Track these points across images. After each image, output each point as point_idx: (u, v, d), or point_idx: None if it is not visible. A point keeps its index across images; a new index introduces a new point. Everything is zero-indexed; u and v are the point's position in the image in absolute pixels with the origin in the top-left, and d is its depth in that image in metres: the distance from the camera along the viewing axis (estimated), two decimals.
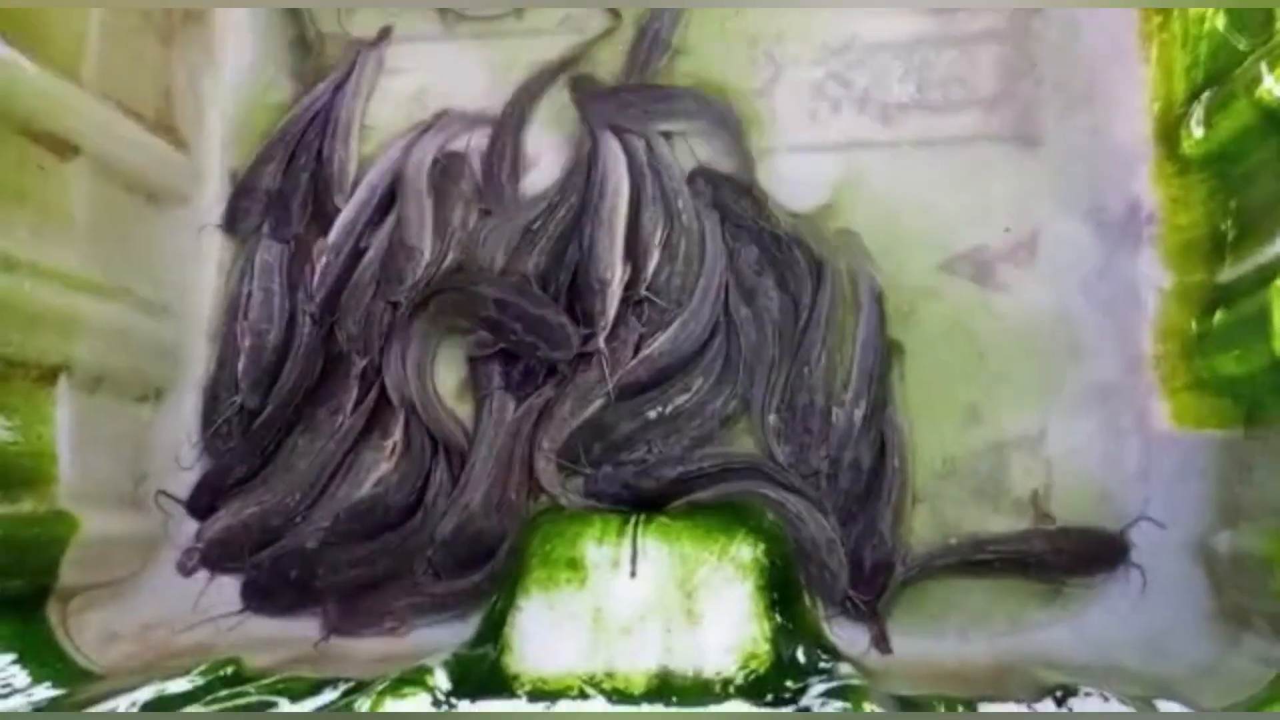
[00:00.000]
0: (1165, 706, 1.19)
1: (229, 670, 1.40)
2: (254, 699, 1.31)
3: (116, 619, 1.56)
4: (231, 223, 1.75)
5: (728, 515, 1.52)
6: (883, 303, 1.62)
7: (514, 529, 1.59)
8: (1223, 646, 1.37)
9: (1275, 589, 1.26)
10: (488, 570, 1.58)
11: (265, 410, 1.66)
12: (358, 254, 1.72)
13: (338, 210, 1.73)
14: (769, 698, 1.35)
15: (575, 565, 1.49)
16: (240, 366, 1.68)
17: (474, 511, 1.60)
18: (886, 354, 1.61)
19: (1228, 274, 1.46)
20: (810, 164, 1.71)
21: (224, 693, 1.33)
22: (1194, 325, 1.52)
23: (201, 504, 1.66)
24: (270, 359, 1.68)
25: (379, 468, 1.64)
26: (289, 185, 1.74)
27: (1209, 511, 1.45)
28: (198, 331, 1.75)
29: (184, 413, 1.72)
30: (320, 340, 1.69)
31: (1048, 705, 1.23)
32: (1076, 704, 1.22)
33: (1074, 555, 1.51)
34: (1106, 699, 1.19)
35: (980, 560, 1.54)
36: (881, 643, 1.51)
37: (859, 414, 1.57)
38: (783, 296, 1.64)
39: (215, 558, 1.64)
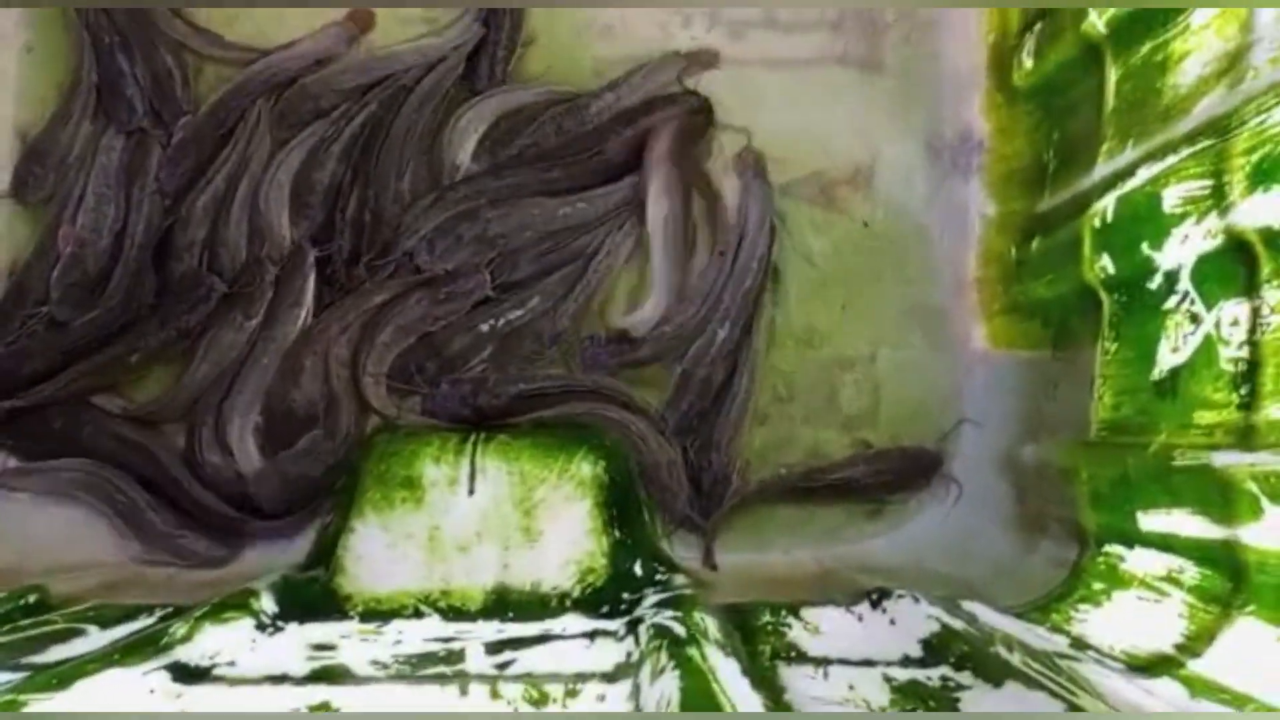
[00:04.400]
0: (970, 606, 1.28)
1: (31, 598, 1.31)
2: (60, 627, 1.23)
3: None
4: (20, 188, 1.58)
5: (568, 433, 1.52)
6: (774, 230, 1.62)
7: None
8: (1022, 550, 1.48)
9: (1070, 497, 1.36)
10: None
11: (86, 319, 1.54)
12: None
13: (183, 110, 1.61)
14: (605, 610, 1.38)
15: (412, 484, 1.46)
16: (54, 274, 1.54)
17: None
18: (765, 278, 1.61)
19: (1047, 203, 1.53)
20: None
21: (25, 621, 1.25)
22: (1013, 252, 1.60)
23: None
24: (92, 273, 1.55)
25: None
26: (114, 74, 1.58)
27: (1016, 426, 1.55)
28: None
29: None
30: (150, 255, 1.57)
31: (864, 607, 1.31)
32: (890, 605, 1.29)
33: (893, 475, 1.59)
34: (917, 600, 1.27)
35: (807, 488, 1.59)
36: (709, 560, 1.56)
37: (723, 334, 1.58)
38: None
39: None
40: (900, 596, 1.29)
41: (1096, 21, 1.38)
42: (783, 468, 1.61)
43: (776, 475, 1.59)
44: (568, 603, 1.40)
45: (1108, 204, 1.33)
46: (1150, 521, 1.22)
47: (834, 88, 1.69)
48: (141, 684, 1.04)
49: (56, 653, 1.15)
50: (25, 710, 0.95)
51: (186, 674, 1.08)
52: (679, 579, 1.44)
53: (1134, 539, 1.26)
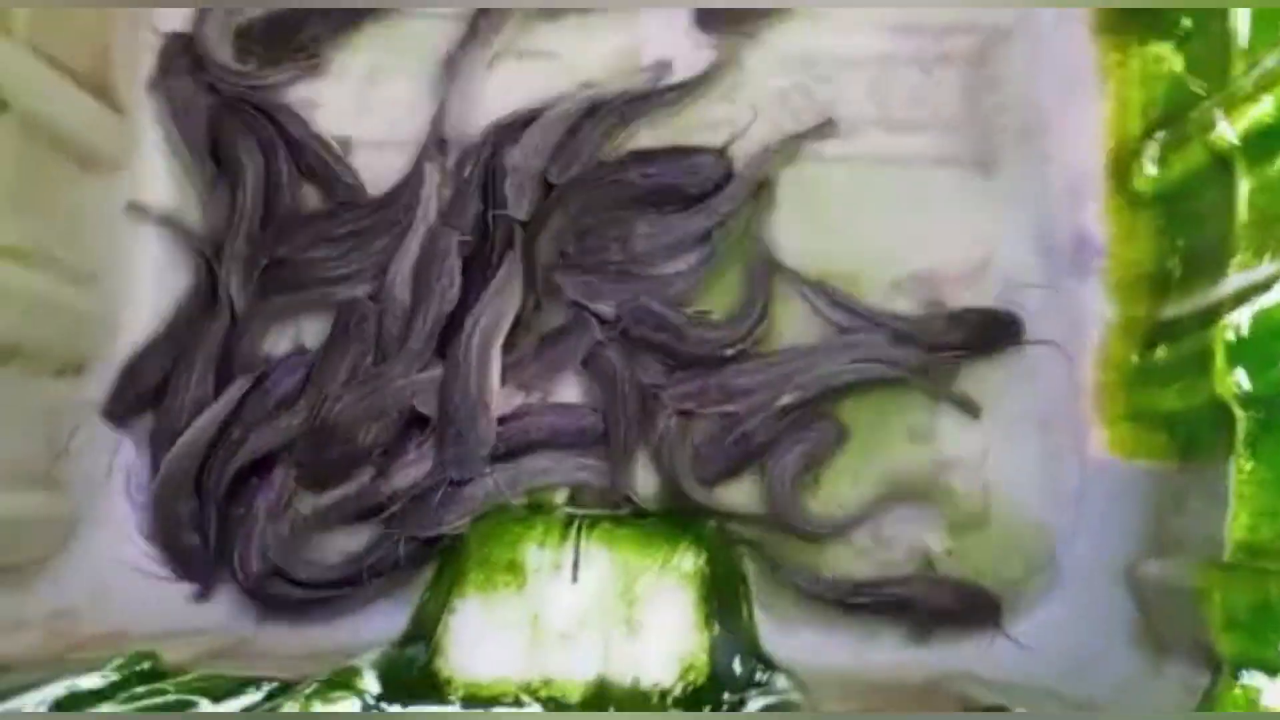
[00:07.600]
0: None
1: (146, 665, 1.33)
2: (172, 697, 1.25)
3: (22, 606, 1.48)
4: (112, 408, 1.60)
5: (670, 523, 1.52)
6: None
7: None
8: (1147, 672, 1.40)
9: (1201, 619, 1.29)
10: None
11: None
12: None
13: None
14: (706, 709, 1.34)
15: (514, 568, 1.46)
16: None
17: None
18: None
19: (1171, 310, 1.49)
20: None
21: (140, 689, 1.26)
22: (1135, 358, 1.55)
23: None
24: None
25: None
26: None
27: (1139, 539, 1.49)
28: (129, 300, 1.65)
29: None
30: None
31: None
32: None
33: (945, 611, 1.53)
34: None
35: (855, 604, 1.54)
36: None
37: None
38: None
39: None
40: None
41: (1227, 132, 1.36)
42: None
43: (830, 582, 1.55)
44: (668, 700, 1.37)
45: (1242, 318, 1.29)
46: None
47: (945, 187, 1.69)
48: None
49: None
50: None
51: None
52: (780, 681, 1.40)
53: (1277, 669, 1.19)
